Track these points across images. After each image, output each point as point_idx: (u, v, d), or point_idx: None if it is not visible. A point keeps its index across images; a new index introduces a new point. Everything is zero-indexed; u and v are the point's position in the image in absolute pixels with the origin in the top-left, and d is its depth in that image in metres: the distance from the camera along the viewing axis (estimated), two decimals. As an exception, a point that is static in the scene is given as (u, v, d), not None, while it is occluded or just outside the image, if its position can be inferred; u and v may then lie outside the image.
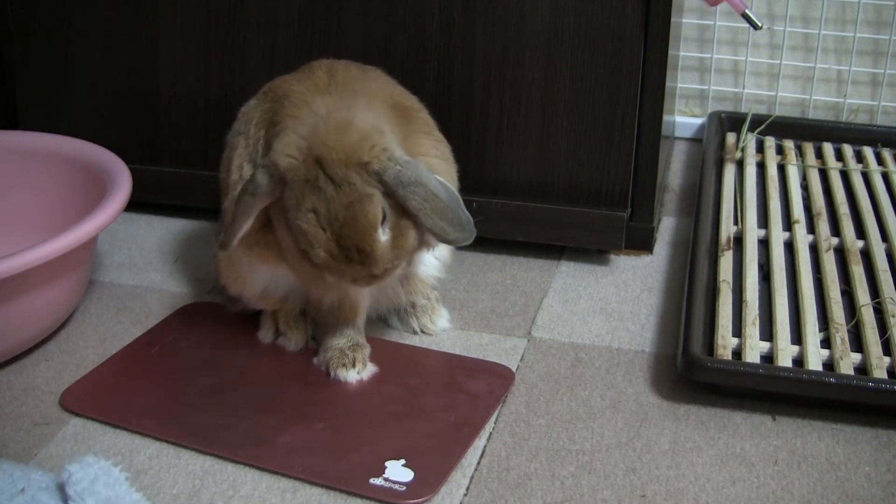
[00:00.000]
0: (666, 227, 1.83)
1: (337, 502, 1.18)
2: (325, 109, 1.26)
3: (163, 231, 1.82)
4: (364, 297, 1.41)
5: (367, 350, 1.41)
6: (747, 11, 1.58)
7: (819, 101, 2.22)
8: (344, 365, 1.38)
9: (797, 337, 1.44)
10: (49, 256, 1.32)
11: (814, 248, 1.69)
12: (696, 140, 2.23)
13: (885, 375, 1.34)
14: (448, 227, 1.23)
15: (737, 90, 2.25)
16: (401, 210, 1.22)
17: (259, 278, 1.41)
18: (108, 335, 1.50)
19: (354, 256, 1.20)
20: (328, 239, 1.20)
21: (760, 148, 2.07)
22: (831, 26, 2.16)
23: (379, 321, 1.51)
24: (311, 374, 1.40)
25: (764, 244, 1.70)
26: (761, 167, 1.99)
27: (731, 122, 2.15)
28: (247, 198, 1.24)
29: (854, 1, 2.12)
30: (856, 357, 1.39)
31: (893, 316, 1.47)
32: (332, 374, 1.38)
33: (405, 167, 1.20)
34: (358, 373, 1.38)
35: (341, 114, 1.24)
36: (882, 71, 2.16)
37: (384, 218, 1.21)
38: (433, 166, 1.35)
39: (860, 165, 2.00)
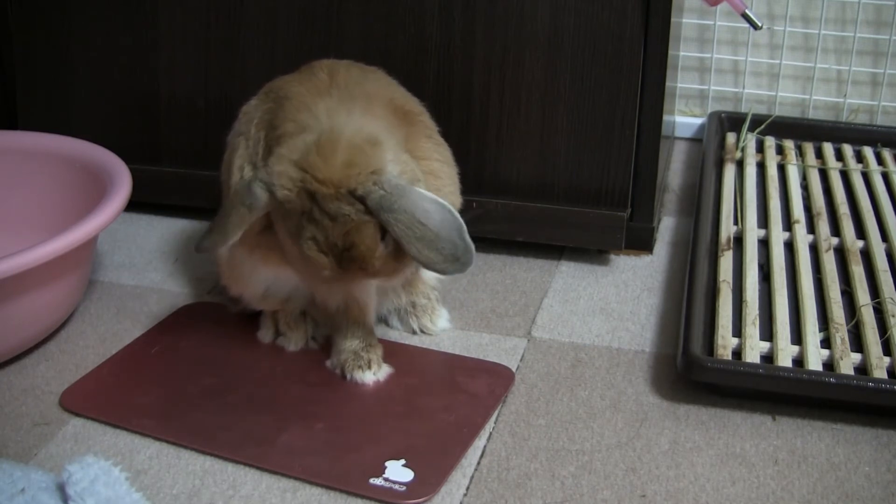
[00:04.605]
0: (666, 227, 1.83)
1: (337, 502, 1.18)
2: (325, 114, 1.25)
3: (163, 231, 1.82)
4: (371, 296, 1.41)
5: (380, 350, 1.40)
6: (747, 11, 1.58)
7: (819, 101, 2.22)
8: (360, 367, 1.37)
9: (797, 337, 1.44)
10: (49, 256, 1.32)
11: (814, 248, 1.69)
12: (696, 140, 2.23)
13: (885, 375, 1.34)
14: (435, 257, 1.18)
15: (737, 90, 2.25)
16: None
17: (261, 280, 1.41)
18: (108, 335, 1.50)
19: (357, 272, 1.22)
20: (331, 261, 1.21)
21: (760, 148, 2.07)
22: (831, 26, 2.16)
23: (379, 321, 1.51)
24: (311, 374, 1.40)
25: (764, 244, 1.70)
26: (761, 167, 1.99)
27: (731, 122, 2.15)
28: (243, 210, 1.23)
29: (854, 1, 2.12)
30: (856, 357, 1.39)
31: (893, 316, 1.47)
32: (349, 376, 1.38)
33: (391, 192, 1.17)
34: (374, 374, 1.38)
35: (334, 128, 1.22)
36: (882, 71, 2.16)
37: (385, 233, 1.21)
38: (434, 170, 1.35)
39: (860, 165, 2.00)
